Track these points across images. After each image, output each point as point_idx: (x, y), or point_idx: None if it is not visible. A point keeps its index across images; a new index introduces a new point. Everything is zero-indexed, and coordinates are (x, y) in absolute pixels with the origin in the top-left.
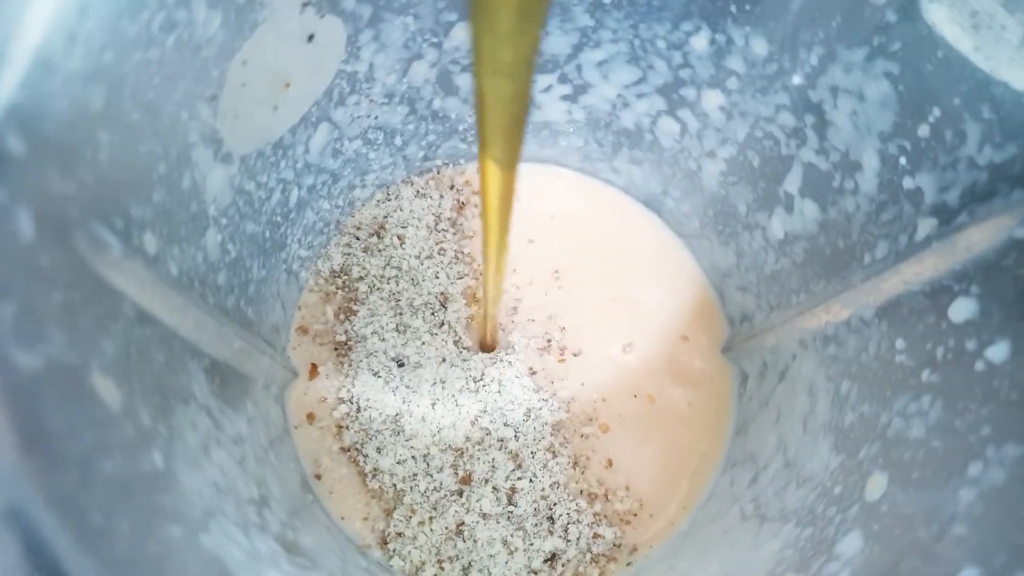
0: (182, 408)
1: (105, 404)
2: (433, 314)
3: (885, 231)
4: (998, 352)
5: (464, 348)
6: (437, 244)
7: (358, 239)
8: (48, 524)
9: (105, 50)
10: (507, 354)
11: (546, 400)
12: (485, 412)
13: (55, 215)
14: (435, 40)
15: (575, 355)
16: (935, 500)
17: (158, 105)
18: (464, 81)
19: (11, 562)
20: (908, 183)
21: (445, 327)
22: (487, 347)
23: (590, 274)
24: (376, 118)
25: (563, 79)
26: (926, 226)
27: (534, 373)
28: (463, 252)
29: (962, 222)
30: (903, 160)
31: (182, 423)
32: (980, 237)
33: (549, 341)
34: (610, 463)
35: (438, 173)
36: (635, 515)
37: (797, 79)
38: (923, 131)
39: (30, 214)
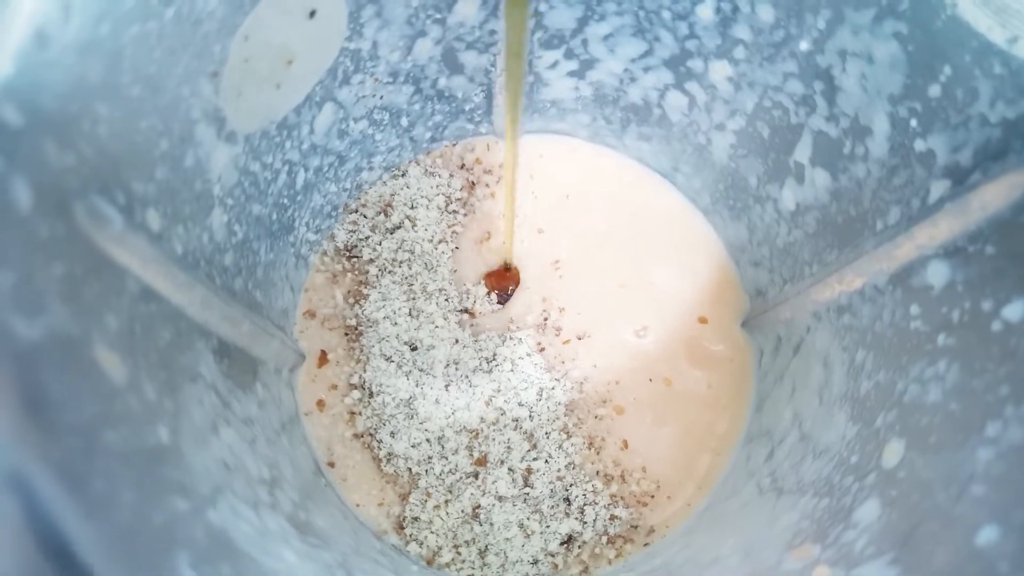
0: (189, 386)
1: (108, 377)
2: (447, 300)
3: (897, 196)
4: (1015, 311)
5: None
6: (450, 227)
7: (365, 216)
8: (50, 490)
9: (101, 21)
10: (517, 330)
11: (558, 380)
12: (499, 392)
13: (53, 186)
14: (438, 16)
15: (580, 338)
16: (953, 463)
17: (158, 80)
18: (469, 59)
19: (12, 526)
20: (920, 145)
21: (463, 314)
22: (504, 283)
23: (599, 261)
24: (381, 98)
25: (569, 55)
26: (939, 188)
27: (543, 350)
28: (481, 255)
29: (975, 181)
30: (914, 122)
31: (189, 400)
32: (994, 195)
33: (545, 320)
34: (626, 444)
35: (450, 147)
36: (652, 497)
37: (805, 45)
38: (934, 91)
39: (27, 184)
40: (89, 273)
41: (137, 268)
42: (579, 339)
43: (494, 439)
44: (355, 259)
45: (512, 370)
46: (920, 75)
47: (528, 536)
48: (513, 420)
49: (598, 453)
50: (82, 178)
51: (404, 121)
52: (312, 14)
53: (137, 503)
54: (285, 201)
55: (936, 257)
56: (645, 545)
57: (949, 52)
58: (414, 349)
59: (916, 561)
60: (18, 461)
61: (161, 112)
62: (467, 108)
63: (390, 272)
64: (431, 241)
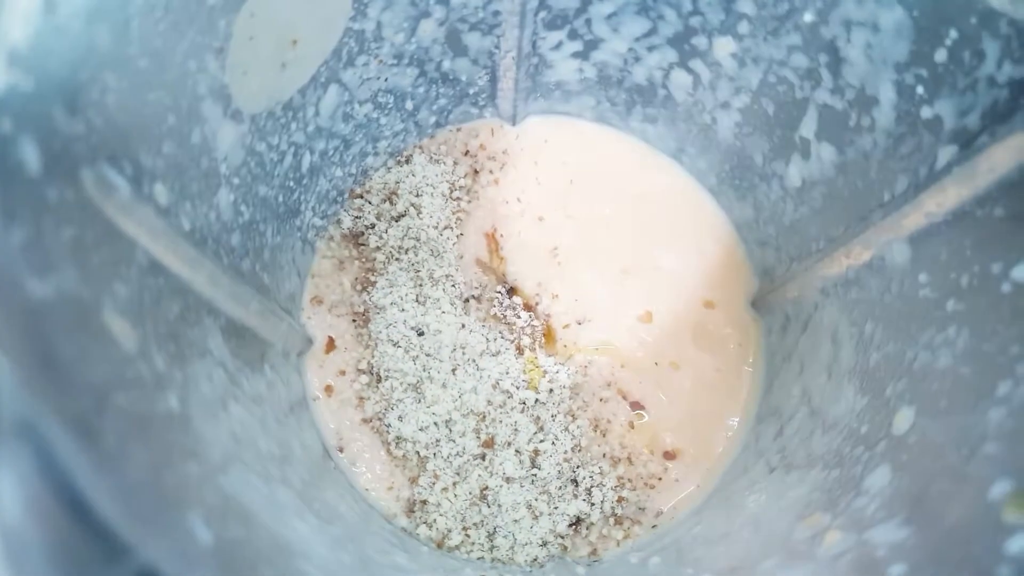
0: (198, 360)
1: (119, 342)
2: (454, 286)
3: (904, 165)
4: None
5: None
6: (455, 214)
7: (370, 203)
8: (63, 442)
9: None
10: (515, 314)
11: (562, 364)
12: (507, 374)
13: (62, 151)
14: None
15: (579, 323)
16: (964, 424)
17: (165, 53)
18: (473, 40)
19: (25, 473)
20: (926, 112)
21: (471, 302)
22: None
23: (600, 246)
24: (386, 80)
25: (573, 35)
26: (946, 153)
27: (546, 334)
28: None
29: (983, 144)
30: (920, 89)
31: (198, 374)
32: (1002, 157)
33: (536, 304)
34: (632, 426)
35: (454, 132)
36: (659, 479)
37: (809, 16)
38: (940, 56)
39: (35, 147)
40: (98, 240)
41: (145, 240)
42: (579, 324)
43: (501, 421)
44: (362, 246)
45: (517, 353)
46: (926, 41)
47: (536, 518)
48: (520, 403)
49: (604, 435)
50: (91, 146)
51: (409, 104)
52: None
53: (149, 461)
54: (291, 184)
55: (945, 223)
56: (653, 527)
57: (955, 15)
58: (421, 334)
59: (928, 519)
60: (31, 412)
61: (168, 86)
62: (471, 92)
63: (397, 259)
64: (436, 228)
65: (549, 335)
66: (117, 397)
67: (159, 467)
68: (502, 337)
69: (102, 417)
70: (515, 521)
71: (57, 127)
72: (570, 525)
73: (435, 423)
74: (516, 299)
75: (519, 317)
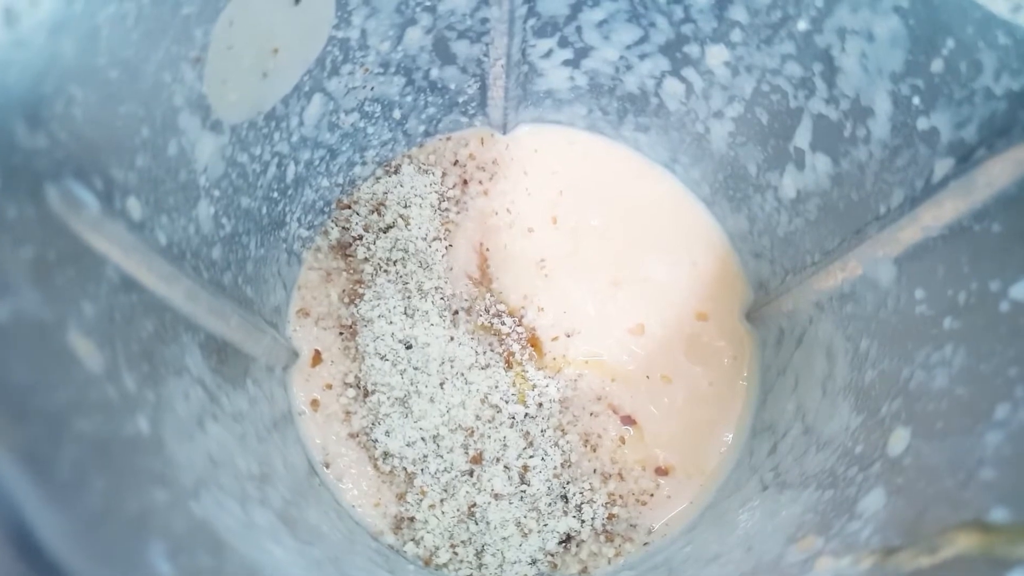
0: (174, 379)
1: (83, 364)
2: (443, 298)
3: (900, 177)
4: (1023, 290)
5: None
6: (443, 225)
7: (358, 215)
8: (11, 474)
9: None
10: (502, 324)
11: (551, 377)
12: (496, 388)
13: (23, 167)
14: (428, 3)
15: (568, 335)
16: (961, 447)
17: (137, 64)
18: (461, 48)
19: None
20: (923, 123)
21: (459, 314)
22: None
23: (590, 258)
24: (372, 89)
25: (563, 43)
26: (943, 167)
27: (534, 346)
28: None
29: (980, 157)
30: (916, 100)
31: (173, 393)
32: (1000, 171)
33: (521, 319)
34: (623, 441)
35: (444, 141)
36: (651, 495)
37: (803, 24)
38: (936, 66)
39: None
40: (63, 258)
41: (117, 256)
42: (568, 336)
43: (490, 436)
44: (350, 258)
45: (505, 368)
46: (922, 50)
47: (526, 535)
48: (509, 417)
49: (595, 451)
50: (55, 161)
51: (396, 114)
52: (297, 0)
53: (108, 490)
54: (275, 195)
55: (942, 238)
56: (645, 544)
57: (952, 24)
58: (409, 347)
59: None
60: None
61: (141, 97)
62: (460, 100)
63: (385, 271)
64: (425, 239)
65: (536, 346)
66: (78, 422)
67: (120, 495)
68: (491, 350)
69: (58, 445)
70: (504, 539)
71: (17, 142)
72: (560, 542)
73: (422, 438)
74: (501, 306)
75: (504, 324)
